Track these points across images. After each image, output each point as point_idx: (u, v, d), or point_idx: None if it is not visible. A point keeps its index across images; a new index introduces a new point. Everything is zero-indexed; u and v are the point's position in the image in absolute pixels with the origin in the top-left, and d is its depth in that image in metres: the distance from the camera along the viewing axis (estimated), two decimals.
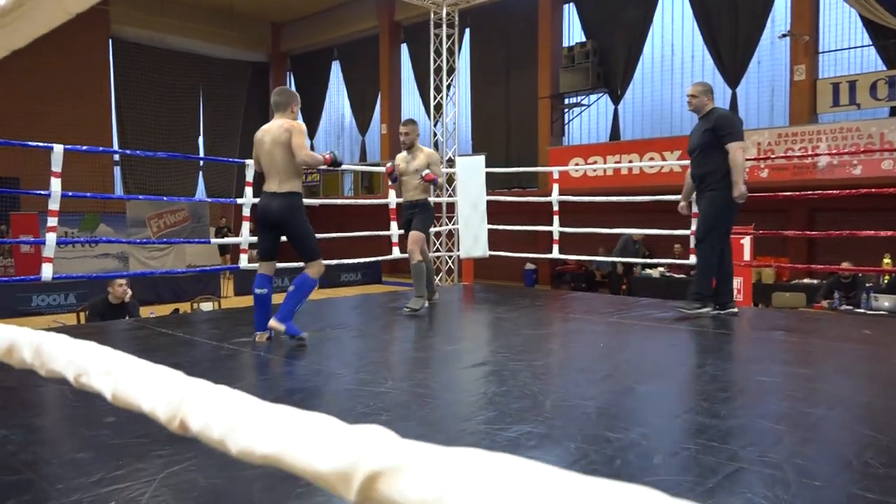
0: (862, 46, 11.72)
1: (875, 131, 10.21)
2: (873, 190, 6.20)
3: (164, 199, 7.18)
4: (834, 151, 9.91)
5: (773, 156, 10.50)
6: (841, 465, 2.04)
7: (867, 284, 8.40)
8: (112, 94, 18.25)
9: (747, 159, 10.81)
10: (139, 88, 18.55)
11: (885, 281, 8.63)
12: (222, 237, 15.07)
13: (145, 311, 6.91)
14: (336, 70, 20.80)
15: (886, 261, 8.76)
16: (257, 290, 4.20)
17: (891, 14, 10.57)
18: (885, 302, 7.62)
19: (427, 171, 5.42)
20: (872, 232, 5.90)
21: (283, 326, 3.85)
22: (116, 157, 18.28)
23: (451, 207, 10.20)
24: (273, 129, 4.11)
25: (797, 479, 1.91)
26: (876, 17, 10.77)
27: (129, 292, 5.99)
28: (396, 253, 7.27)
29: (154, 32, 18.57)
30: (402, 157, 5.69)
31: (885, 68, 11.23)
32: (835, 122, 10.99)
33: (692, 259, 6.44)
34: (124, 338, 4.50)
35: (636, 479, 1.92)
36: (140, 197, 10.01)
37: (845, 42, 11.96)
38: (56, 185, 4.88)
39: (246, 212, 6.20)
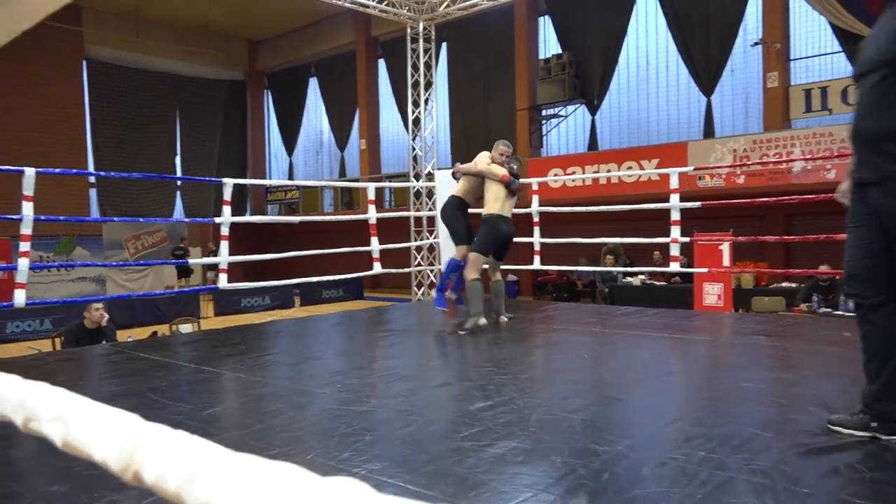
0: (832, 53, 11.93)
1: (847, 136, 10.35)
2: None
3: (141, 220, 7.04)
4: (808, 156, 10.05)
5: (748, 162, 10.62)
6: (828, 471, 2.03)
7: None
8: (87, 116, 18.06)
9: (719, 166, 10.96)
10: (114, 109, 18.38)
11: None
12: (177, 259, 14.94)
13: (123, 335, 6.79)
14: (314, 86, 20.78)
15: None
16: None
17: (859, 21, 10.77)
18: None
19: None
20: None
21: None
22: (92, 179, 18.07)
23: (432, 221, 10.19)
24: None
25: (786, 486, 1.89)
26: (845, 24, 10.97)
27: (106, 316, 5.88)
28: (378, 268, 7.23)
29: (129, 53, 18.44)
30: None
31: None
32: (808, 128, 11.15)
33: (673, 266, 6.46)
34: (100, 363, 4.41)
35: (624, 491, 1.90)
36: (116, 219, 9.88)
37: (816, 49, 12.17)
38: (28, 209, 4.78)
39: (224, 231, 6.11)
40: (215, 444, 0.46)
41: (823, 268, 7.87)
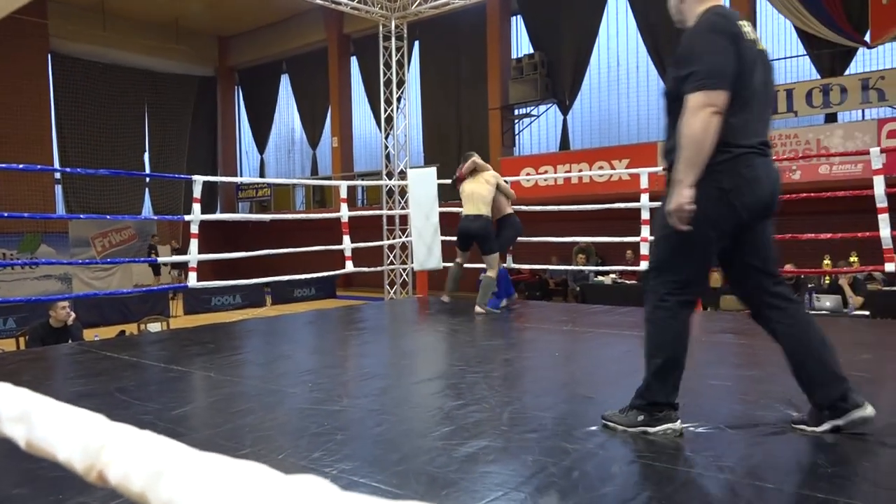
0: (797, 56, 12.16)
1: (812, 137, 10.60)
2: (812, 195, 6.42)
3: (108, 217, 6.91)
4: (774, 157, 10.25)
5: None
6: (791, 467, 2.08)
7: (809, 285, 8.66)
8: (52, 111, 17.66)
9: None
10: (81, 104, 18.00)
11: (827, 282, 8.92)
12: (148, 255, 14.73)
13: (90, 334, 6.68)
14: (285, 84, 20.61)
15: (826, 262, 9.07)
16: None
17: (822, 24, 11.00)
18: (826, 302, 7.87)
19: None
20: (813, 235, 6.10)
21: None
22: (58, 175, 17.68)
23: (404, 220, 10.17)
24: None
25: (750, 482, 1.93)
26: (809, 27, 11.20)
27: (73, 315, 5.78)
28: (350, 267, 7.20)
29: (96, 47, 18.08)
30: None
31: (819, 77, 11.67)
32: (774, 129, 11.36)
33: (643, 265, 6.55)
34: (66, 363, 4.33)
35: (594, 489, 1.92)
36: (82, 216, 9.60)
37: (781, 52, 12.39)
38: None
39: (194, 229, 6.04)
40: (181, 443, 0.46)
41: (788, 266, 8.02)
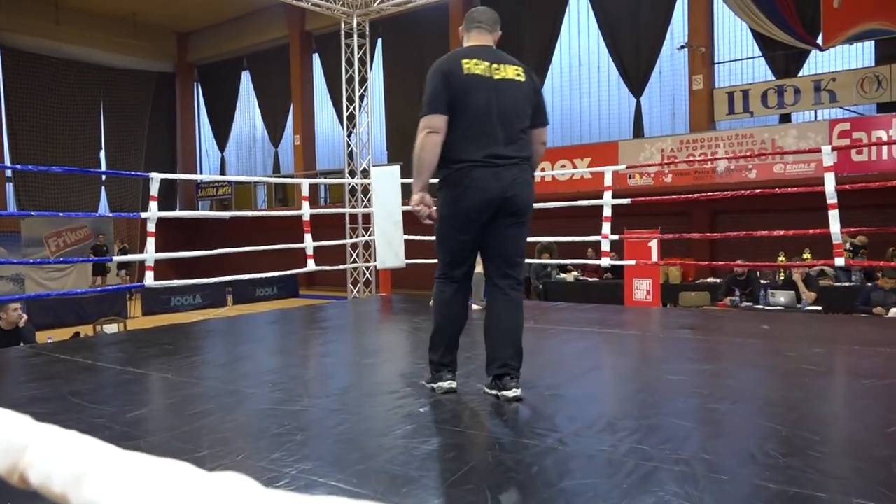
0: (753, 58, 12.44)
1: (767, 137, 10.87)
2: (766, 190, 6.57)
3: (61, 214, 6.70)
4: (731, 156, 10.46)
5: (677, 160, 10.97)
6: (745, 458, 2.13)
7: (764, 281, 8.86)
8: (2, 106, 17.13)
9: (649, 164, 11.31)
10: (34, 100, 17.50)
11: (781, 277, 9.15)
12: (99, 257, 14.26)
13: (42, 337, 6.51)
14: (246, 80, 20.34)
15: (781, 258, 9.30)
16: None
17: (777, 27, 11.28)
18: (780, 297, 8.06)
19: None
20: (766, 232, 6.25)
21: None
22: (8, 172, 17.17)
23: (368, 218, 10.12)
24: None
25: (706, 474, 1.97)
26: (764, 29, 11.47)
27: (24, 317, 5.62)
28: (312, 265, 7.14)
29: (49, 41, 17.60)
30: None
31: (773, 78, 11.96)
32: (731, 129, 11.61)
33: (604, 261, 6.65)
34: (17, 366, 4.20)
35: (553, 484, 1.94)
36: (34, 213, 9.29)
37: (738, 53, 12.67)
38: None
39: (151, 227, 5.91)
40: (106, 442, 0.45)
41: (740, 261, 8.22)
